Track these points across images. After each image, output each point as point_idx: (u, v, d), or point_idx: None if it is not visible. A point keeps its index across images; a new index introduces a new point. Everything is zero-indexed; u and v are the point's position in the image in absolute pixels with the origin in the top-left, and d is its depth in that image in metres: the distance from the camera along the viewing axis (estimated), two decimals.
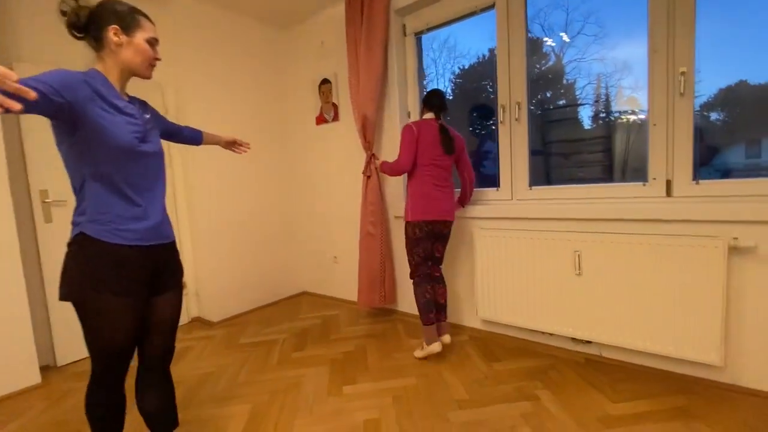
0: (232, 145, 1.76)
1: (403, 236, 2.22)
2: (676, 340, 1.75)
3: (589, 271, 1.95)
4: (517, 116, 2.24)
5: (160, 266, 1.26)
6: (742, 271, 1.65)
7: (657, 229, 1.81)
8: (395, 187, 2.76)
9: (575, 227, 2.02)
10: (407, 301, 2.83)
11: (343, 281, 3.25)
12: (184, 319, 2.98)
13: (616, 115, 2.16)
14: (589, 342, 2.06)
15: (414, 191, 2.11)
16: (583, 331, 2.00)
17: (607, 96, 2.18)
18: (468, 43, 2.61)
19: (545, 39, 2.28)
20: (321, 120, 3.17)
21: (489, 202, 2.39)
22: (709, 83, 1.80)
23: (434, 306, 2.15)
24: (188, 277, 3.00)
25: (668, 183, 1.85)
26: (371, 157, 2.69)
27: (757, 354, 1.65)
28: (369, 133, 2.65)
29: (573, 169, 2.33)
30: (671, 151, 1.82)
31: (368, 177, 2.71)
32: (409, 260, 2.19)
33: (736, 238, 1.62)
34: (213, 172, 2.90)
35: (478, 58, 2.64)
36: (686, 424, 1.51)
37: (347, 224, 3.12)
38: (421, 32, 2.62)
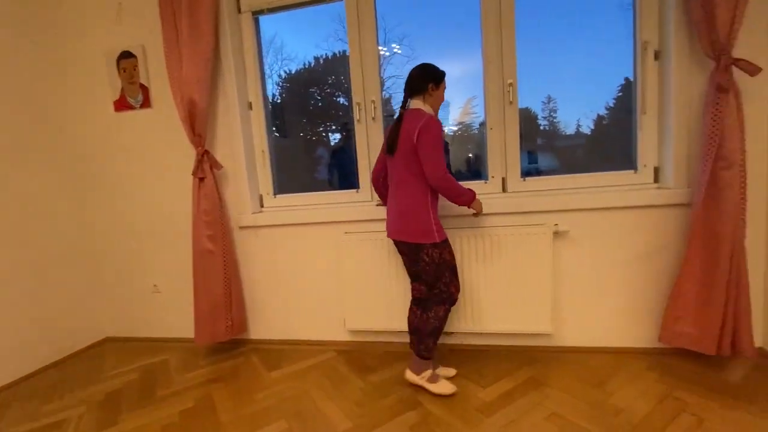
0: None
1: None
2: (520, 317, 1.98)
3: None
4: (373, 115, 2.16)
5: None
6: (560, 251, 1.99)
7: (498, 220, 2.02)
8: (239, 190, 2.30)
9: None
10: (262, 326, 2.40)
11: (169, 315, 2.54)
12: None
13: None
14: (452, 333, 2.15)
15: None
16: (447, 324, 2.06)
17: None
18: (296, 47, 2.44)
19: (394, 46, 2.30)
20: (123, 105, 2.38)
21: (350, 205, 2.24)
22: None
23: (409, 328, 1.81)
24: None
25: (503, 180, 2.09)
26: (203, 155, 2.16)
27: (573, 318, 2.02)
28: (199, 124, 2.12)
29: None
30: (504, 152, 2.07)
31: (201, 179, 2.16)
32: None
33: (557, 224, 1.94)
34: None
35: (305, 65, 2.51)
36: (540, 392, 1.70)
37: (172, 241, 2.45)
38: (260, 12, 2.27)
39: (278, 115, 2.54)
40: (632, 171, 1.96)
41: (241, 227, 2.33)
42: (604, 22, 2.02)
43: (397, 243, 1.77)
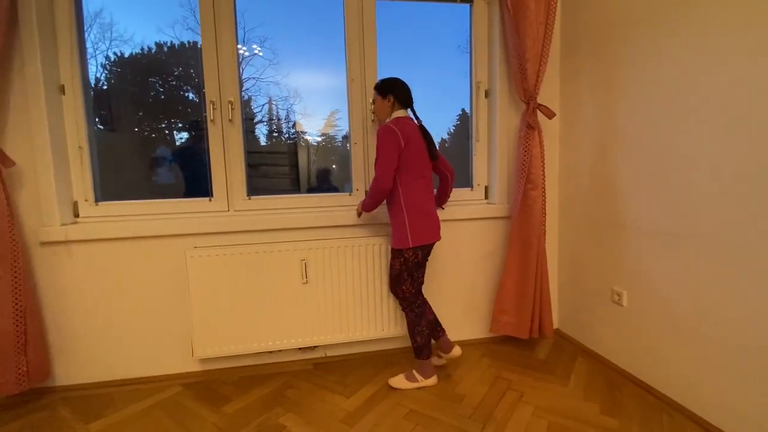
0: None
1: (395, 264, 1.78)
2: (375, 324, 2.06)
3: (313, 278, 1.99)
4: (230, 117, 1.98)
5: None
6: None
7: (359, 232, 2.09)
8: (40, 195, 1.78)
9: (301, 236, 2.01)
10: (75, 368, 1.89)
11: None
12: None
13: (294, 135, 2.35)
14: (314, 347, 2.11)
15: (412, 209, 1.71)
16: (310, 338, 2.01)
17: (287, 117, 2.34)
18: (130, 27, 2.08)
19: (255, 47, 2.16)
20: None
21: (201, 215, 1.99)
22: None
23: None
24: None
25: (366, 193, 2.18)
26: None
27: None
28: None
29: (266, 180, 2.30)
30: (366, 166, 2.16)
31: None
32: (405, 289, 1.80)
33: None
34: None
35: (143, 50, 2.18)
36: (399, 392, 1.81)
37: None
38: None
39: (104, 104, 2.09)
40: (470, 188, 2.31)
41: (44, 243, 1.81)
42: (446, 60, 2.34)
43: (430, 246, 1.80)
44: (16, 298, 1.68)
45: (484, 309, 2.28)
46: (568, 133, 2.20)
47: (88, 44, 1.97)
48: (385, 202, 1.81)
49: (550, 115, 2.03)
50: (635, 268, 1.80)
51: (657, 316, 1.70)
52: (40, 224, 1.79)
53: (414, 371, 1.85)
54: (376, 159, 1.69)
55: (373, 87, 1.82)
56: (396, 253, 1.77)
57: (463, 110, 2.40)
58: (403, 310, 1.84)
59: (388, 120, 1.77)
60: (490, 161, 2.27)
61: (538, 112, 2.04)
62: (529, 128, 2.01)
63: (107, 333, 1.91)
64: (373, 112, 1.89)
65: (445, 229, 2.18)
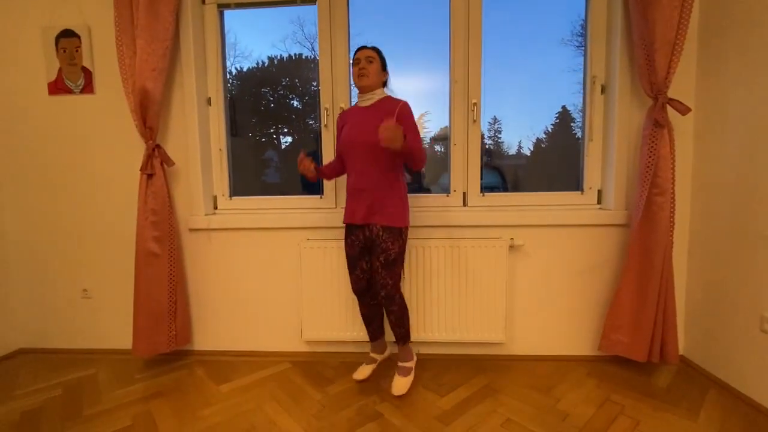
0: None
1: (395, 246, 1.68)
2: (475, 327, 2.05)
3: (410, 275, 2.05)
4: None
5: None
6: (514, 264, 2.10)
7: (459, 233, 2.09)
8: (190, 189, 2.15)
9: None
10: (208, 336, 2.24)
11: (99, 323, 2.28)
12: None
13: None
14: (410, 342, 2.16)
15: (405, 192, 1.77)
16: None
17: None
18: (250, 44, 2.36)
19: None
20: (60, 88, 2.13)
21: (314, 211, 2.19)
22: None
23: None
24: None
25: (464, 195, 2.17)
26: (154, 150, 1.99)
27: (522, 327, 2.13)
28: (151, 116, 1.96)
29: None
30: (466, 167, 2.15)
31: (149, 176, 1.99)
32: (397, 271, 1.73)
33: (512, 239, 2.05)
34: None
35: (258, 64, 2.44)
36: (495, 399, 1.76)
37: (108, 241, 2.22)
38: (226, 5, 2.17)
39: (229, 113, 2.44)
40: (579, 192, 2.14)
41: (192, 229, 2.17)
42: (546, 54, 2.18)
43: None
44: (171, 274, 2.05)
45: (590, 324, 2.09)
46: (706, 132, 1.91)
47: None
48: (371, 179, 1.68)
49: (684, 110, 1.78)
50: None
51: None
52: (189, 214, 2.16)
53: (401, 364, 1.86)
54: (415, 134, 1.66)
55: (372, 48, 1.72)
56: (395, 233, 1.67)
57: (563, 107, 2.23)
58: (391, 297, 1.70)
59: (379, 92, 1.74)
60: (606, 163, 2.08)
61: (669, 107, 1.81)
62: (657, 126, 1.79)
63: (234, 309, 2.21)
64: (360, 75, 1.68)
65: (550, 235, 2.06)
